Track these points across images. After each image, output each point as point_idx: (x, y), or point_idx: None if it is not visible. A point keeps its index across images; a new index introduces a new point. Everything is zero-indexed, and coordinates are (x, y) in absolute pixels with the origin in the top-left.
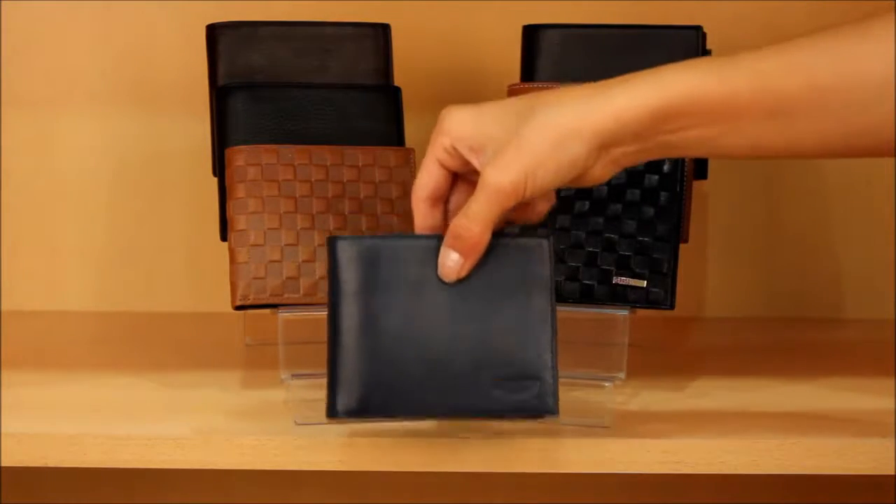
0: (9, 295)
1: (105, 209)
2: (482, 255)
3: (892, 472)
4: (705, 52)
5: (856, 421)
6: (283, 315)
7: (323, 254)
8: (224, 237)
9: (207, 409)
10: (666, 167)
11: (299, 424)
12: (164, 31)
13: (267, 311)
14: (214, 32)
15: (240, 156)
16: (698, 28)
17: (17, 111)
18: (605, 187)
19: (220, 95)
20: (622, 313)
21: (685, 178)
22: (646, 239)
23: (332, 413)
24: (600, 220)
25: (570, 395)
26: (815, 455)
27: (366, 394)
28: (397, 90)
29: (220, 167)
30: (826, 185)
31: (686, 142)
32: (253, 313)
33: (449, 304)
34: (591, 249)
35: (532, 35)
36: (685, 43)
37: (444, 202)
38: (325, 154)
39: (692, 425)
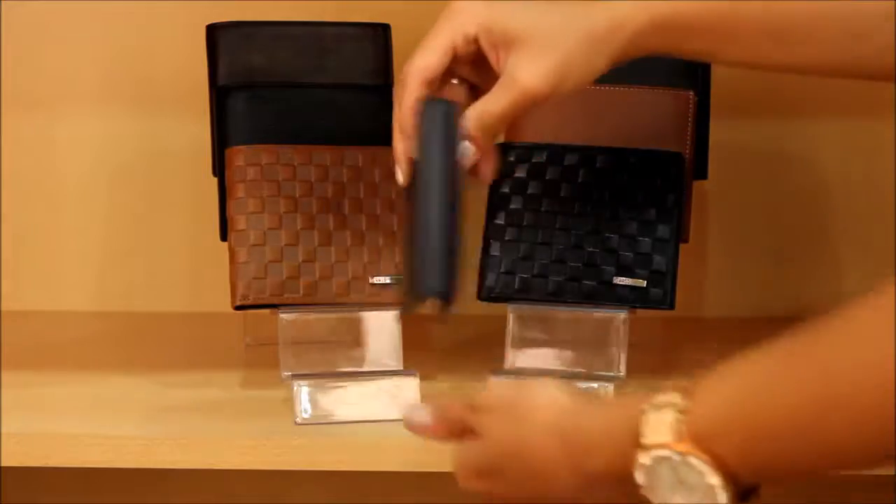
0: (9, 295)
1: (105, 209)
2: None
3: (892, 472)
4: None
5: None
6: (283, 315)
7: (323, 254)
8: (224, 237)
9: (207, 409)
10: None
11: (299, 424)
12: (164, 31)
13: (267, 311)
14: (214, 32)
15: (240, 156)
16: None
17: (17, 111)
18: (606, 188)
19: (220, 95)
20: (622, 313)
21: (685, 179)
22: (646, 239)
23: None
24: (601, 220)
25: None
26: None
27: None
28: None
29: (220, 167)
30: (826, 185)
31: (682, 53)
32: (253, 313)
33: None
34: (591, 249)
35: None
36: None
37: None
38: (325, 154)
39: None
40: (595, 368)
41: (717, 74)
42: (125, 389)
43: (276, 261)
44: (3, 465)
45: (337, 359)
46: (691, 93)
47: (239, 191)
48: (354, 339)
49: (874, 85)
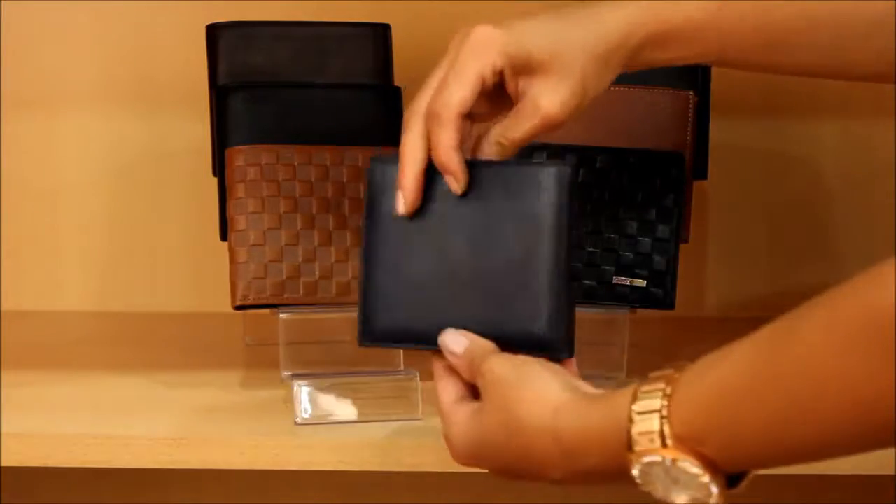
0: (9, 295)
1: (105, 209)
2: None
3: (892, 472)
4: None
5: None
6: (283, 315)
7: (323, 254)
8: (224, 237)
9: (207, 409)
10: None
11: (299, 424)
12: (164, 31)
13: (267, 311)
14: (214, 32)
15: (240, 156)
16: None
17: (17, 111)
18: (606, 188)
19: (220, 95)
20: (622, 313)
21: (685, 179)
22: (646, 239)
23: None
24: (601, 220)
25: None
26: None
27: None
28: (397, 90)
29: (220, 167)
30: (826, 185)
31: (672, 62)
32: (253, 313)
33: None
34: (591, 249)
35: None
36: None
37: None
38: (325, 154)
39: None
40: (595, 368)
41: (717, 74)
42: (125, 389)
43: (276, 261)
44: (3, 465)
45: (337, 359)
46: (691, 93)
47: (239, 191)
48: (354, 339)
49: (874, 85)
